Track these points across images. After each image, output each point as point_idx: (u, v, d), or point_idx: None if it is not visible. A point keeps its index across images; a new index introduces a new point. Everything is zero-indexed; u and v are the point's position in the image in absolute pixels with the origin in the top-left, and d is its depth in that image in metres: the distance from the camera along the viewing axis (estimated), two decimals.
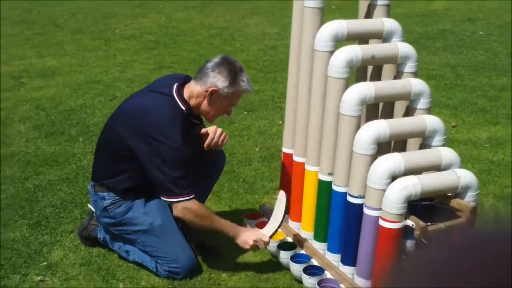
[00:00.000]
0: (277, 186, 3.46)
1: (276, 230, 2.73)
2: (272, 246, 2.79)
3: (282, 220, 2.73)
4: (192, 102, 2.64)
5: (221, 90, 2.62)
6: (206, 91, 2.62)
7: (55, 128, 4.41)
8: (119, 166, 2.67)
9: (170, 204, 2.62)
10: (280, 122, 4.51)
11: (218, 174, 3.03)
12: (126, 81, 5.58)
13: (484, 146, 4.18)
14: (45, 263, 2.79)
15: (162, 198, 2.62)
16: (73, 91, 5.28)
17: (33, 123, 4.49)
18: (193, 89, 2.65)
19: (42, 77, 5.67)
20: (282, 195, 2.79)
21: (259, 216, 3.07)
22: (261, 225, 2.92)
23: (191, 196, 2.58)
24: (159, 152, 2.51)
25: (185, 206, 2.58)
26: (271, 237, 2.70)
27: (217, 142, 2.71)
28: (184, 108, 2.61)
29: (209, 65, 2.64)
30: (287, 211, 2.81)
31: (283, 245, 2.80)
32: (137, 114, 2.59)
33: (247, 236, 2.65)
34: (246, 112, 4.75)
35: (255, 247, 2.67)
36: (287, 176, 2.95)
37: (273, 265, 2.81)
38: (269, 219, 2.95)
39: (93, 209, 2.86)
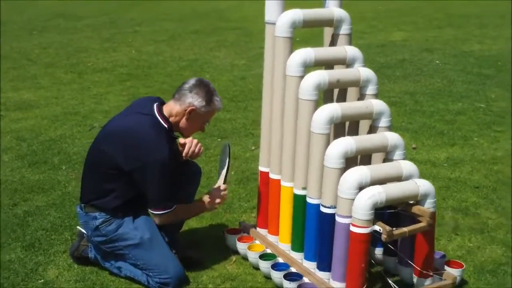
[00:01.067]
0: (254, 206, 3.73)
1: (226, 175, 3.10)
2: (253, 257, 3.04)
3: (228, 168, 3.11)
4: (172, 119, 2.92)
5: (198, 109, 2.91)
6: (185, 110, 2.89)
7: (37, 157, 4.59)
8: (107, 185, 2.89)
9: (152, 214, 2.91)
10: (253, 148, 4.79)
11: (197, 184, 3.29)
12: (102, 112, 5.80)
13: (443, 165, 4.52)
14: (42, 280, 2.98)
15: (151, 212, 2.90)
16: (51, 122, 5.47)
17: (15, 153, 4.67)
18: (172, 108, 2.92)
19: (20, 110, 5.85)
20: (225, 145, 3.15)
21: (240, 231, 3.31)
22: (241, 239, 3.18)
23: (173, 208, 2.89)
24: (149, 166, 2.77)
25: (168, 216, 2.90)
26: (224, 183, 3.09)
27: (194, 151, 3.01)
28: (166, 126, 2.88)
29: (187, 86, 2.93)
30: (229, 160, 3.14)
31: (264, 256, 3.04)
32: (124, 134, 2.84)
33: (210, 200, 3.05)
34: (220, 139, 5.01)
35: (221, 203, 3.10)
36: (265, 193, 3.21)
37: (255, 274, 3.05)
38: (248, 233, 3.22)
39: (83, 230, 3.06)
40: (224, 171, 3.11)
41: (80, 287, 2.93)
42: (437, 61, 7.95)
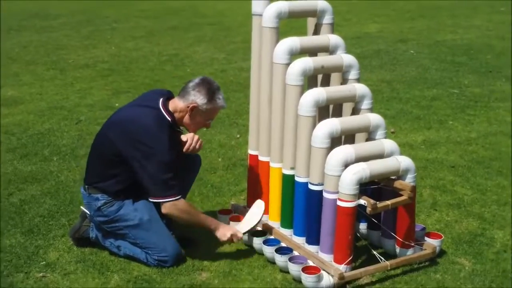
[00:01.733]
0: (242, 189, 3.89)
1: (249, 231, 3.15)
2: (258, 242, 3.18)
3: (256, 224, 3.16)
4: (176, 115, 3.06)
5: (200, 106, 3.05)
6: (188, 107, 3.04)
7: (28, 150, 4.70)
8: (111, 170, 3.04)
9: (159, 204, 2.99)
10: (238, 136, 4.95)
11: (196, 173, 3.44)
12: (87, 106, 5.90)
13: (420, 147, 4.73)
14: (44, 262, 3.11)
15: (151, 200, 3.00)
16: (38, 117, 5.56)
17: (5, 147, 4.76)
18: (177, 104, 3.07)
19: (5, 106, 5.92)
20: (261, 203, 3.21)
21: (231, 212, 3.47)
22: (233, 219, 3.34)
23: (178, 197, 2.97)
24: (148, 156, 2.90)
25: (173, 204, 2.96)
26: (244, 234, 3.12)
27: (195, 147, 3.12)
28: (169, 119, 3.02)
29: (191, 84, 3.07)
30: (261, 218, 3.20)
31: (255, 233, 3.21)
32: (129, 125, 2.98)
33: (225, 230, 3.08)
34: (205, 129, 5.13)
35: (230, 241, 3.09)
36: (254, 175, 3.37)
37: (248, 251, 3.22)
38: (239, 214, 3.38)
39: (86, 210, 3.20)
40: (250, 226, 3.15)
41: (81, 267, 3.07)
42: (412, 51, 8.19)
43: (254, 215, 3.22)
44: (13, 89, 6.59)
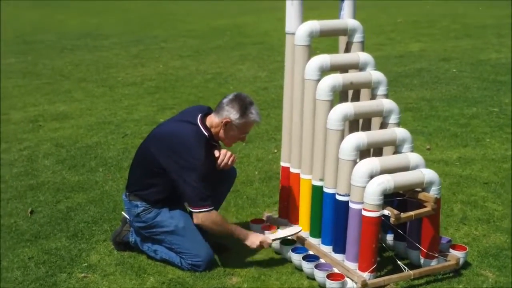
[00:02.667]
0: (276, 201, 4.03)
1: (278, 239, 3.30)
2: (275, 243, 3.35)
3: (285, 237, 3.29)
4: (213, 130, 3.25)
5: (234, 121, 3.22)
6: (222, 122, 3.21)
7: (76, 161, 4.97)
8: (151, 180, 3.25)
9: (191, 213, 3.18)
10: (276, 151, 5.11)
11: (231, 185, 3.61)
12: (134, 121, 6.17)
13: (455, 164, 4.79)
14: (86, 264, 3.33)
15: (191, 210, 3.18)
16: (87, 131, 5.86)
17: (56, 158, 5.05)
18: (213, 120, 3.25)
19: (57, 120, 6.25)
20: (298, 228, 3.34)
21: (263, 221, 3.62)
22: (265, 228, 3.49)
23: (210, 208, 3.15)
24: (186, 168, 3.09)
25: (205, 215, 3.14)
26: (273, 240, 3.27)
27: (227, 163, 3.30)
28: (206, 134, 3.21)
29: (225, 100, 3.26)
30: (293, 237, 3.34)
31: (285, 241, 3.35)
32: (168, 139, 3.19)
33: (254, 238, 3.25)
34: (244, 143, 5.33)
35: (260, 247, 3.24)
36: (286, 186, 3.52)
37: (277, 258, 3.36)
38: (271, 224, 3.53)
39: (126, 215, 3.41)
40: (280, 236, 3.30)
41: (119, 269, 3.27)
42: (454, 70, 8.21)
43: (289, 229, 3.37)
44: (65, 105, 6.93)
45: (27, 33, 12.44)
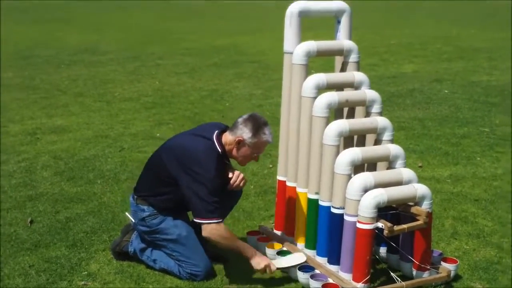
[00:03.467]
0: (271, 214, 4.13)
1: (282, 268, 3.32)
2: (271, 253, 3.43)
3: (289, 267, 3.31)
4: (227, 148, 3.33)
5: (246, 140, 3.30)
6: (235, 140, 3.30)
7: (74, 173, 5.05)
8: (161, 188, 3.33)
9: (200, 225, 3.21)
10: (271, 166, 5.21)
11: (235, 202, 3.70)
12: (131, 135, 6.26)
13: (446, 181, 4.90)
14: (86, 272, 3.40)
15: (195, 220, 3.22)
16: (84, 144, 5.94)
17: (54, 170, 5.13)
18: (227, 138, 3.34)
19: (55, 133, 6.34)
20: (303, 257, 3.35)
21: (259, 233, 3.71)
22: (262, 240, 3.57)
23: (219, 220, 3.20)
24: (196, 181, 3.16)
25: (214, 228, 3.19)
26: (277, 268, 3.30)
27: (238, 184, 3.41)
28: (220, 150, 3.28)
29: (240, 119, 3.35)
30: (297, 266, 3.31)
31: (281, 253, 3.43)
32: (182, 151, 3.26)
33: (260, 259, 3.27)
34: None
35: (263, 271, 3.26)
36: (282, 199, 3.61)
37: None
38: (267, 236, 3.61)
39: (130, 217, 3.49)
40: (284, 266, 3.31)
41: (119, 277, 3.34)
42: (446, 91, 8.37)
43: (295, 258, 3.38)
44: (62, 119, 7.02)
45: (26, 48, 12.54)
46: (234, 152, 3.34)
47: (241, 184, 3.43)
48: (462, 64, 10.61)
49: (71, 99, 8.12)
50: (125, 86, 8.92)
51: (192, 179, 3.18)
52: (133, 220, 3.45)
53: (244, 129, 3.29)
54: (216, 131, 3.34)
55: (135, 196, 3.43)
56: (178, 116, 7.08)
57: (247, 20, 18.32)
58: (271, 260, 3.31)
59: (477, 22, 16.67)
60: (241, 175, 3.42)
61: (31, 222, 4.06)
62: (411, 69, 10.13)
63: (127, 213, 3.57)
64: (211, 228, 3.18)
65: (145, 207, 3.36)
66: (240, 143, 3.30)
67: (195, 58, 11.51)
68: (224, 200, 3.36)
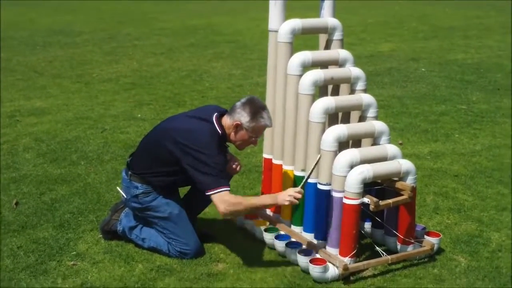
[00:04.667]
0: (256, 192, 4.17)
1: (305, 182, 3.25)
2: (259, 232, 3.48)
3: (309, 174, 3.23)
4: (226, 131, 3.34)
5: (244, 124, 3.31)
6: (233, 124, 3.32)
7: (57, 155, 5.03)
8: (161, 168, 3.32)
9: (211, 199, 3.15)
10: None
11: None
12: (111, 116, 6.24)
13: (426, 158, 4.99)
14: (74, 252, 3.41)
15: (206, 194, 3.15)
16: (65, 126, 5.90)
17: (36, 152, 5.09)
18: (226, 121, 3.34)
19: (34, 115, 6.28)
20: (317, 156, 3.25)
21: (256, 217, 3.71)
22: (252, 217, 3.62)
23: (227, 188, 3.15)
24: (199, 159, 3.16)
25: (222, 197, 3.11)
26: (301, 187, 3.20)
27: (235, 169, 3.45)
28: (220, 132, 3.29)
29: (238, 103, 3.35)
30: (314, 168, 3.23)
31: (268, 230, 3.48)
32: (184, 134, 3.23)
33: (282, 196, 3.18)
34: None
35: (293, 202, 3.15)
36: (268, 177, 3.65)
37: (260, 245, 3.49)
38: (264, 219, 3.66)
39: (122, 192, 3.49)
40: (307, 173, 3.27)
41: (108, 257, 3.36)
42: (423, 69, 8.47)
43: (310, 168, 3.25)
44: (41, 101, 6.94)
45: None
46: (232, 136, 3.34)
47: (237, 169, 3.47)
48: (437, 42, 10.72)
49: (49, 80, 8.03)
50: (102, 67, 8.85)
51: (195, 158, 3.16)
52: (125, 196, 3.46)
53: (242, 113, 3.30)
54: (216, 114, 3.35)
55: (130, 173, 3.42)
56: (159, 97, 7.06)
57: (220, 1, 18.19)
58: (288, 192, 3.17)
59: (452, 0, 16.80)
60: (238, 161, 3.47)
61: (17, 203, 4.05)
62: (388, 48, 10.22)
63: (118, 188, 3.58)
64: (220, 199, 3.10)
65: (139, 185, 3.37)
66: (238, 127, 3.31)
67: (171, 38, 11.44)
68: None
